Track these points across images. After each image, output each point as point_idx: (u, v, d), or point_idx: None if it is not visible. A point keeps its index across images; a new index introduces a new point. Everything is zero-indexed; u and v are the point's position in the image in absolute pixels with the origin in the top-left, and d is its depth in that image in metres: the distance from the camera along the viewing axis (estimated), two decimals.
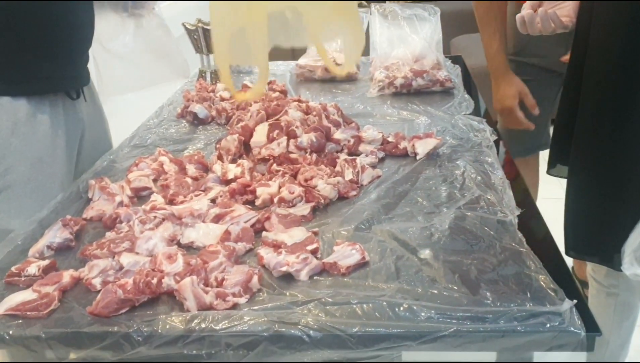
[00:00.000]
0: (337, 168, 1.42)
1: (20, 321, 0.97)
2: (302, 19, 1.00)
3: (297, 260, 1.06)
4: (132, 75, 1.78)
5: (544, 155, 2.20)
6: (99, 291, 1.01)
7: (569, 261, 2.28)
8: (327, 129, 1.58)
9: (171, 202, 1.33)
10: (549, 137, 2.19)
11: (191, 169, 1.48)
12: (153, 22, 1.81)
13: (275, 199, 1.30)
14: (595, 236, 1.42)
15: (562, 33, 1.52)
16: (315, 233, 1.18)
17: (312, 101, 1.85)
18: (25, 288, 1.05)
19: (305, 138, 1.51)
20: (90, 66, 1.66)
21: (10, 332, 0.95)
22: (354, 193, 1.34)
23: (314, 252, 1.10)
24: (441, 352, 0.92)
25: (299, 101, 1.82)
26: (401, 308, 0.94)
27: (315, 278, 1.05)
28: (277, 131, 1.55)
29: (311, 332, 0.90)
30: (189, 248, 1.17)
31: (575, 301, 0.90)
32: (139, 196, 1.40)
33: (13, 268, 1.10)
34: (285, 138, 1.53)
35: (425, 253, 1.08)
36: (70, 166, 1.51)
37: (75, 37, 1.49)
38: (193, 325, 0.93)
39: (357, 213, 1.25)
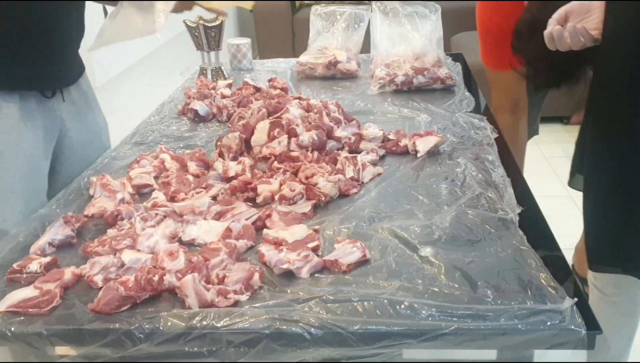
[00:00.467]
0: (338, 166, 1.42)
1: (22, 318, 0.98)
2: None
3: (298, 258, 1.06)
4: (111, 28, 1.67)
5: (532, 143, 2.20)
6: (101, 288, 1.02)
7: (569, 258, 2.28)
8: (329, 128, 1.58)
9: (172, 199, 1.33)
10: (538, 123, 2.19)
11: (192, 167, 1.49)
12: None
13: (276, 197, 1.30)
14: (618, 246, 1.41)
15: None
16: (316, 231, 1.18)
17: (312, 98, 1.86)
18: (26, 285, 1.06)
19: (307, 136, 1.51)
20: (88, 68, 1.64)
21: (12, 329, 0.95)
22: (354, 190, 1.34)
23: (314, 250, 1.11)
24: (442, 350, 0.92)
25: (300, 98, 1.82)
26: (402, 306, 0.94)
27: (316, 275, 1.05)
28: (277, 130, 1.55)
29: (312, 329, 0.91)
30: (190, 246, 1.17)
31: (576, 299, 0.90)
32: (140, 193, 1.40)
33: (15, 265, 1.11)
34: (286, 136, 1.53)
35: (426, 251, 1.09)
36: (40, 162, 1.48)
37: (53, 40, 1.45)
38: (194, 322, 0.93)
39: (357, 210, 1.25)
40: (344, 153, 1.50)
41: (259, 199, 1.32)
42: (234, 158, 1.52)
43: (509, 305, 0.92)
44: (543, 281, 0.97)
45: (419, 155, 1.49)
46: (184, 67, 3.55)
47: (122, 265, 1.09)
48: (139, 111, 2.09)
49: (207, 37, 2.19)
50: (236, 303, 0.98)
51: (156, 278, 1.00)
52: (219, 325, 0.93)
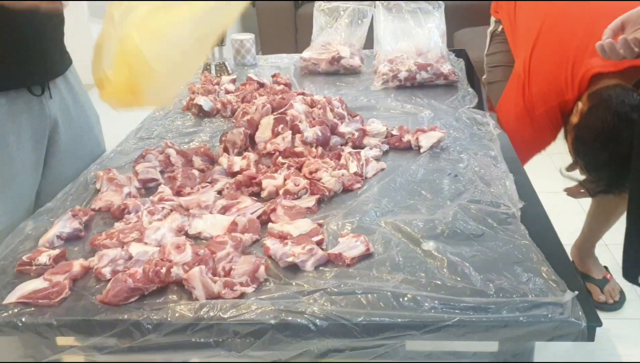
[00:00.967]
0: (342, 161, 1.44)
1: (32, 309, 0.99)
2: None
3: (302, 251, 1.07)
4: None
5: None
6: (109, 280, 1.03)
7: (568, 254, 2.30)
8: (333, 123, 1.59)
9: (178, 193, 1.34)
10: None
11: (197, 162, 1.50)
12: None
13: (281, 192, 1.32)
14: None
15: None
16: (320, 225, 1.20)
17: (316, 94, 1.87)
18: (36, 277, 1.07)
19: (311, 132, 1.53)
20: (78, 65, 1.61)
21: (23, 319, 0.97)
22: (358, 185, 1.36)
23: (319, 243, 1.12)
24: (444, 341, 0.94)
25: (304, 94, 1.83)
26: (405, 299, 0.96)
27: (320, 268, 1.07)
28: (282, 126, 1.57)
29: (317, 320, 0.92)
30: (196, 239, 1.19)
31: (576, 292, 0.92)
32: (147, 187, 1.41)
33: (24, 257, 1.12)
34: (290, 132, 1.55)
35: (429, 245, 1.10)
36: (23, 159, 1.44)
37: (32, 31, 1.40)
38: (202, 313, 0.95)
39: (361, 205, 1.27)
40: (348, 149, 1.52)
41: (263, 194, 1.34)
42: (239, 153, 1.53)
43: (511, 298, 0.93)
44: (544, 274, 0.99)
45: (422, 151, 1.50)
46: None
47: (130, 257, 1.10)
48: None
49: None
50: (242, 295, 1.00)
51: (164, 270, 1.02)
52: (225, 316, 0.94)
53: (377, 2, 2.26)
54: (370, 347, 0.93)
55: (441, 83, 2.03)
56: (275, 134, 1.56)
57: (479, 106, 1.82)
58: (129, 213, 1.27)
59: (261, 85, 2.05)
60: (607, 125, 1.62)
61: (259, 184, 1.35)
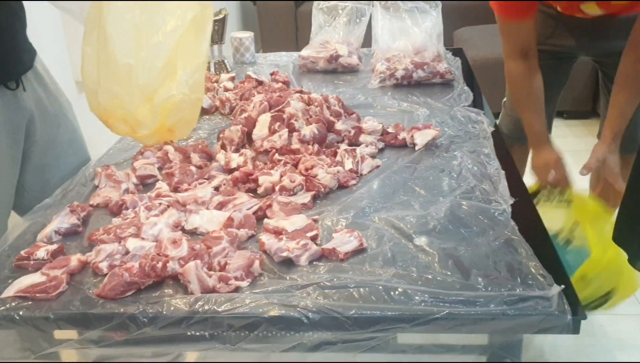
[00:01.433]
0: (338, 158, 1.46)
1: (30, 303, 1.01)
2: None
3: (297, 246, 1.09)
4: None
5: None
6: (106, 274, 1.05)
7: None
8: (329, 121, 1.61)
9: (176, 190, 1.36)
10: (550, 126, 2.19)
11: (195, 158, 1.52)
12: None
13: (277, 188, 1.33)
14: None
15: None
16: (315, 221, 1.21)
17: (314, 92, 1.89)
18: (34, 272, 1.09)
19: (308, 131, 1.54)
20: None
21: (21, 313, 0.99)
22: (353, 182, 1.37)
23: (313, 239, 1.14)
24: (435, 334, 0.95)
25: (301, 92, 1.85)
26: (396, 292, 0.97)
27: (314, 263, 1.08)
28: (278, 123, 1.58)
29: (310, 314, 0.94)
30: (193, 234, 1.20)
31: (562, 286, 0.94)
32: (144, 183, 1.43)
33: (22, 252, 1.14)
34: (287, 130, 1.56)
35: (421, 240, 1.12)
36: (11, 156, 1.46)
37: (3, 34, 1.41)
38: (197, 307, 0.97)
39: (356, 201, 1.28)
40: (344, 146, 1.53)
41: (260, 190, 1.35)
42: (236, 150, 1.55)
43: (499, 292, 0.95)
44: (532, 269, 1.00)
45: (416, 148, 1.52)
46: None
47: (127, 252, 1.12)
48: None
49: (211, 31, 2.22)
50: (237, 289, 1.02)
51: (160, 264, 1.04)
52: (220, 309, 0.96)
53: (375, 0, 2.28)
54: (362, 340, 0.95)
55: (437, 82, 2.05)
56: (272, 131, 1.57)
57: (474, 104, 1.83)
58: (127, 208, 1.29)
59: (260, 83, 2.06)
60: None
61: (256, 180, 1.37)
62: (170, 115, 1.19)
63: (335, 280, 1.02)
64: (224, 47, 2.32)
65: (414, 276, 1.02)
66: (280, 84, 2.02)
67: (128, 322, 0.97)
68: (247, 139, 1.61)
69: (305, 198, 1.31)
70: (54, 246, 1.15)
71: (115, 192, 1.35)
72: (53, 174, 1.55)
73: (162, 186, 1.36)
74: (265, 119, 1.60)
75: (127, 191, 1.37)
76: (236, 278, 1.03)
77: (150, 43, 1.14)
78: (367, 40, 2.37)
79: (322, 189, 1.33)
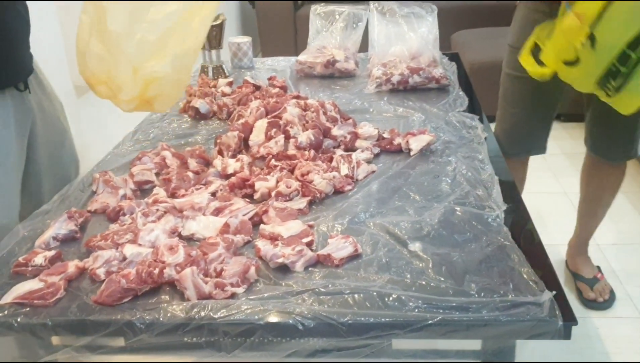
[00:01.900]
0: (334, 164, 1.47)
1: (28, 309, 1.02)
2: None
3: (292, 252, 1.10)
4: None
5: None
6: (103, 281, 1.06)
7: (562, 254, 2.32)
8: (326, 127, 1.62)
9: (173, 195, 1.37)
10: (546, 141, 2.19)
11: (192, 164, 1.53)
12: None
13: (273, 194, 1.34)
14: None
15: None
16: (311, 226, 1.22)
17: (311, 97, 1.90)
18: (32, 278, 1.10)
19: (304, 137, 1.55)
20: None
21: (18, 320, 1.00)
22: (349, 187, 1.39)
23: (309, 244, 1.15)
24: (428, 340, 0.96)
25: (298, 97, 1.86)
26: (390, 298, 0.98)
27: (309, 269, 1.09)
28: (275, 130, 1.59)
29: (305, 320, 0.95)
30: (189, 240, 1.21)
31: (554, 292, 0.95)
32: (142, 189, 1.44)
33: (20, 259, 1.15)
34: (283, 136, 1.58)
35: (415, 246, 1.13)
36: (20, 157, 1.49)
37: (15, 30, 1.45)
38: (193, 313, 0.98)
39: (351, 207, 1.29)
40: (340, 151, 1.54)
41: (256, 196, 1.36)
42: (233, 156, 1.56)
43: (491, 298, 0.96)
44: (525, 275, 1.01)
45: (412, 153, 1.53)
46: None
47: (124, 258, 1.13)
48: None
49: (209, 36, 2.23)
50: (233, 296, 1.03)
51: (156, 271, 1.05)
52: (216, 316, 0.97)
53: (372, 6, 2.29)
54: (357, 347, 0.96)
55: (433, 87, 2.06)
56: (269, 138, 1.59)
57: (470, 109, 1.84)
58: (124, 214, 1.29)
59: (257, 88, 2.07)
60: None
61: (252, 186, 1.38)
62: (150, 88, 1.20)
63: (330, 286, 1.03)
64: (221, 52, 2.33)
65: (408, 282, 1.03)
66: (277, 89, 2.04)
67: (125, 329, 0.98)
68: (244, 144, 1.62)
69: (301, 203, 1.32)
70: (52, 253, 1.16)
71: (112, 198, 1.36)
72: (48, 176, 1.57)
73: (159, 192, 1.37)
74: (261, 125, 1.61)
75: (124, 197, 1.37)
76: (232, 285, 1.04)
77: (147, 18, 1.15)
78: (364, 45, 2.38)
79: (318, 195, 1.34)
